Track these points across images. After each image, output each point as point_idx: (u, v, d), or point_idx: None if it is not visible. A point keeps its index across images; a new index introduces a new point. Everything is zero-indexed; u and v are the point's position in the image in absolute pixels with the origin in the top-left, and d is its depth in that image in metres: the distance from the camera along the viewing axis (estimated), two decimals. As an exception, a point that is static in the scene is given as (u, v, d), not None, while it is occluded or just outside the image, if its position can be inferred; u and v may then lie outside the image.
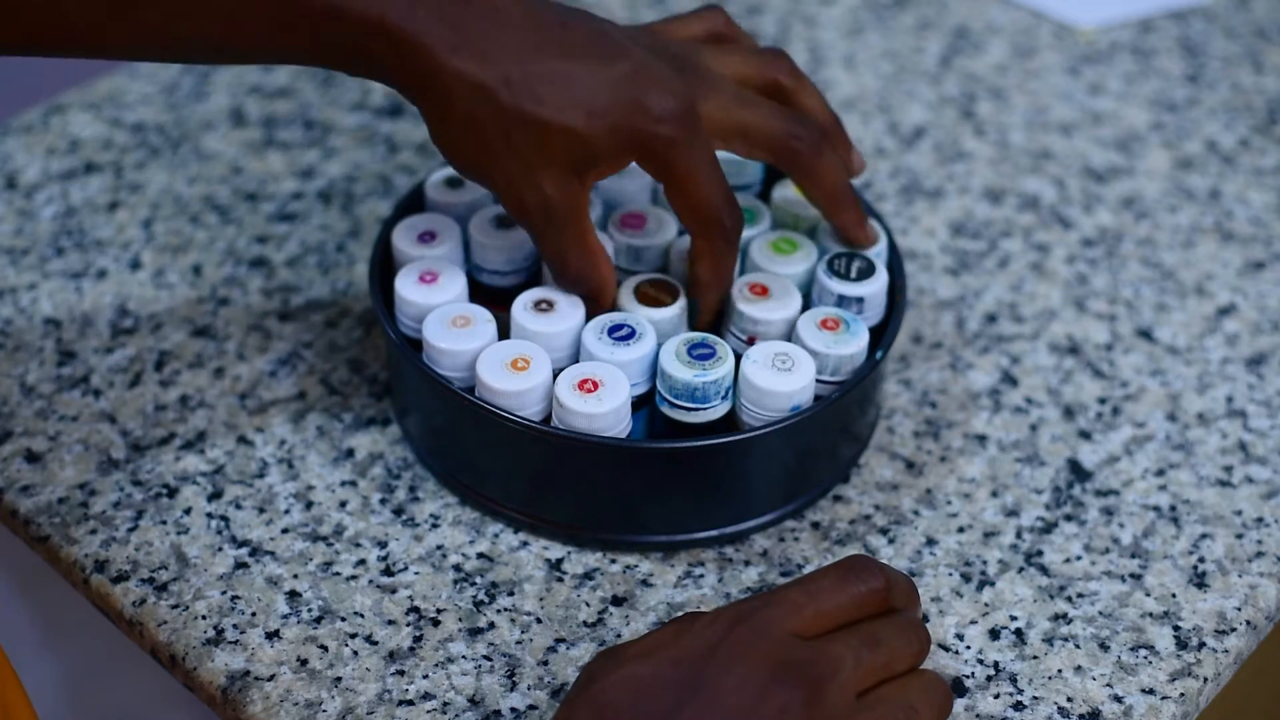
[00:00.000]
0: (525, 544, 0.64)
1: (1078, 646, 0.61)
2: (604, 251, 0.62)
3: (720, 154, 0.71)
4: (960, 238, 0.81)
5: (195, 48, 0.59)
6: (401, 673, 0.59)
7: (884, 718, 0.51)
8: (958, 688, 0.59)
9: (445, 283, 0.64)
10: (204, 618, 0.60)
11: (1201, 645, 0.61)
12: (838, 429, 0.65)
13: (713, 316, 0.64)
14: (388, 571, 0.62)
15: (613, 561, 0.63)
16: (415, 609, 0.61)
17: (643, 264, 0.66)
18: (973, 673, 0.60)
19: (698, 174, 0.59)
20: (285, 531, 0.64)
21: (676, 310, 0.63)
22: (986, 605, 0.62)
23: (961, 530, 0.65)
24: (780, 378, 0.60)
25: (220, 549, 0.63)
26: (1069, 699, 0.59)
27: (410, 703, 0.58)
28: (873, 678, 0.52)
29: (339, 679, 0.58)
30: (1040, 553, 0.64)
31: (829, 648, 0.51)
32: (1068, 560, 0.64)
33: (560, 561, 0.63)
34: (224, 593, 0.61)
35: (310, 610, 0.61)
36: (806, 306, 0.66)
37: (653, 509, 0.63)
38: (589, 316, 0.63)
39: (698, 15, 0.67)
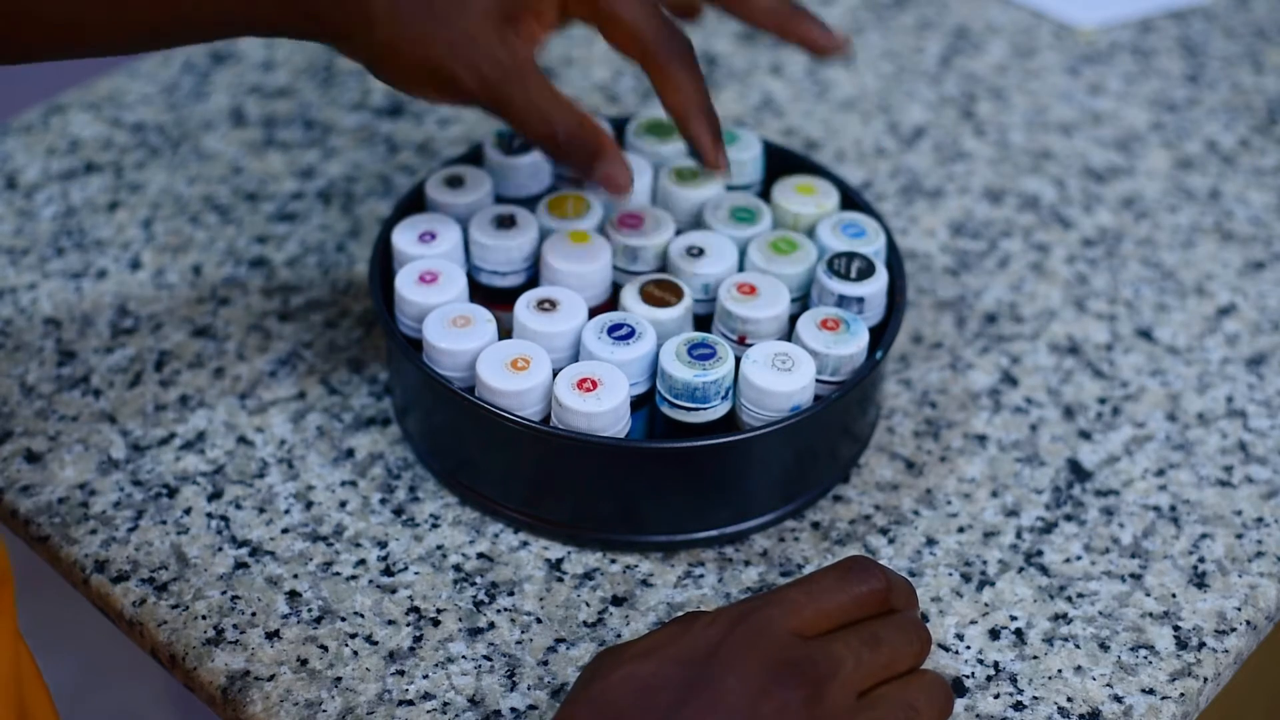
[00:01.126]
0: (525, 544, 0.64)
1: (1078, 646, 0.61)
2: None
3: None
4: (960, 238, 0.81)
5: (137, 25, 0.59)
6: (401, 673, 0.59)
7: (885, 717, 0.51)
8: (958, 688, 0.59)
9: (445, 283, 0.64)
10: (204, 618, 0.60)
11: (1201, 645, 0.61)
12: (838, 429, 0.65)
13: (711, 142, 0.61)
14: (388, 571, 0.62)
15: (613, 561, 0.63)
16: (415, 609, 0.61)
17: (641, 263, 0.66)
18: (973, 673, 0.60)
19: (622, 2, 0.59)
20: (285, 531, 0.64)
21: (681, 310, 0.63)
22: (986, 605, 0.62)
23: (961, 530, 0.65)
24: (780, 378, 0.60)
25: (220, 549, 0.63)
26: (1069, 699, 0.59)
27: (410, 703, 0.58)
28: (873, 677, 0.52)
29: (339, 679, 0.58)
30: (1040, 553, 0.64)
31: (829, 647, 0.51)
32: (1068, 560, 0.64)
33: (560, 561, 0.63)
34: (224, 593, 0.61)
35: (310, 610, 0.61)
36: (806, 307, 0.66)
37: (653, 509, 0.63)
38: (596, 173, 0.61)
39: None
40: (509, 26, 0.59)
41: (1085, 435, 0.70)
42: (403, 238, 0.66)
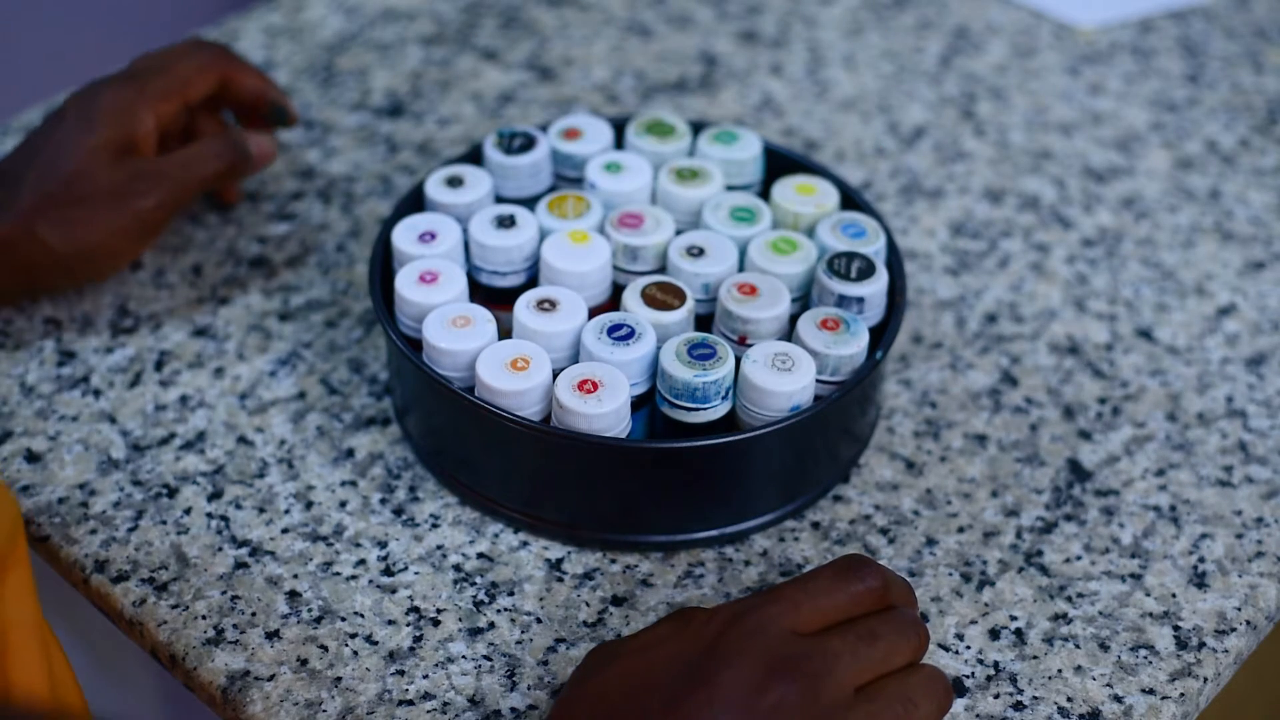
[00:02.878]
0: (525, 544, 0.64)
1: (1078, 646, 0.61)
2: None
3: (720, 154, 0.71)
4: (960, 238, 0.81)
5: None
6: (401, 673, 0.59)
7: (882, 710, 0.51)
8: (958, 687, 0.59)
9: (445, 283, 0.64)
10: (204, 618, 0.60)
11: (1201, 645, 0.61)
12: (838, 429, 0.65)
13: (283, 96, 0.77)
14: (388, 571, 0.62)
15: (613, 561, 0.63)
16: (415, 609, 0.61)
17: (641, 263, 0.66)
18: (973, 673, 0.60)
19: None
20: (285, 531, 0.64)
21: (684, 314, 0.63)
22: (986, 605, 0.62)
23: (961, 530, 0.65)
24: (780, 378, 0.60)
25: (220, 549, 0.63)
26: (1069, 699, 0.59)
27: (410, 703, 0.58)
28: (870, 672, 0.52)
29: (339, 679, 0.58)
30: (1040, 553, 0.64)
31: (826, 642, 0.51)
32: (1068, 560, 0.64)
33: (560, 561, 0.63)
34: (224, 593, 0.61)
35: (310, 610, 0.61)
36: (806, 306, 0.66)
37: (653, 509, 0.63)
38: (255, 159, 0.74)
39: None
40: (123, 161, 0.70)
41: (1085, 435, 0.70)
42: (403, 238, 0.66)
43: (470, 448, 0.64)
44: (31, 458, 0.66)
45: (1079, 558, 0.64)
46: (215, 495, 0.65)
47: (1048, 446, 0.69)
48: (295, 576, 0.62)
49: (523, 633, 0.60)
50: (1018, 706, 0.58)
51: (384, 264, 0.67)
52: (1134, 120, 0.90)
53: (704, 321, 0.66)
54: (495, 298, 0.66)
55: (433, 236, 0.66)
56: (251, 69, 0.76)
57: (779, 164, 0.73)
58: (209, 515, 0.64)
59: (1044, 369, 0.73)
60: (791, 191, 0.70)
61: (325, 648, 0.59)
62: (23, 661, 0.48)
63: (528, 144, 0.71)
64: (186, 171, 0.71)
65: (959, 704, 0.58)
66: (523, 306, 0.63)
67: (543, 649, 0.60)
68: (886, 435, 0.69)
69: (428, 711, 0.57)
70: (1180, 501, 0.67)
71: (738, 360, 0.62)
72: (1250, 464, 0.69)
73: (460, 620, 0.61)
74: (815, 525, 0.65)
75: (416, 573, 0.62)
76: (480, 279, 0.67)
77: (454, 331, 0.62)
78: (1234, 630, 0.61)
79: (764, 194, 0.72)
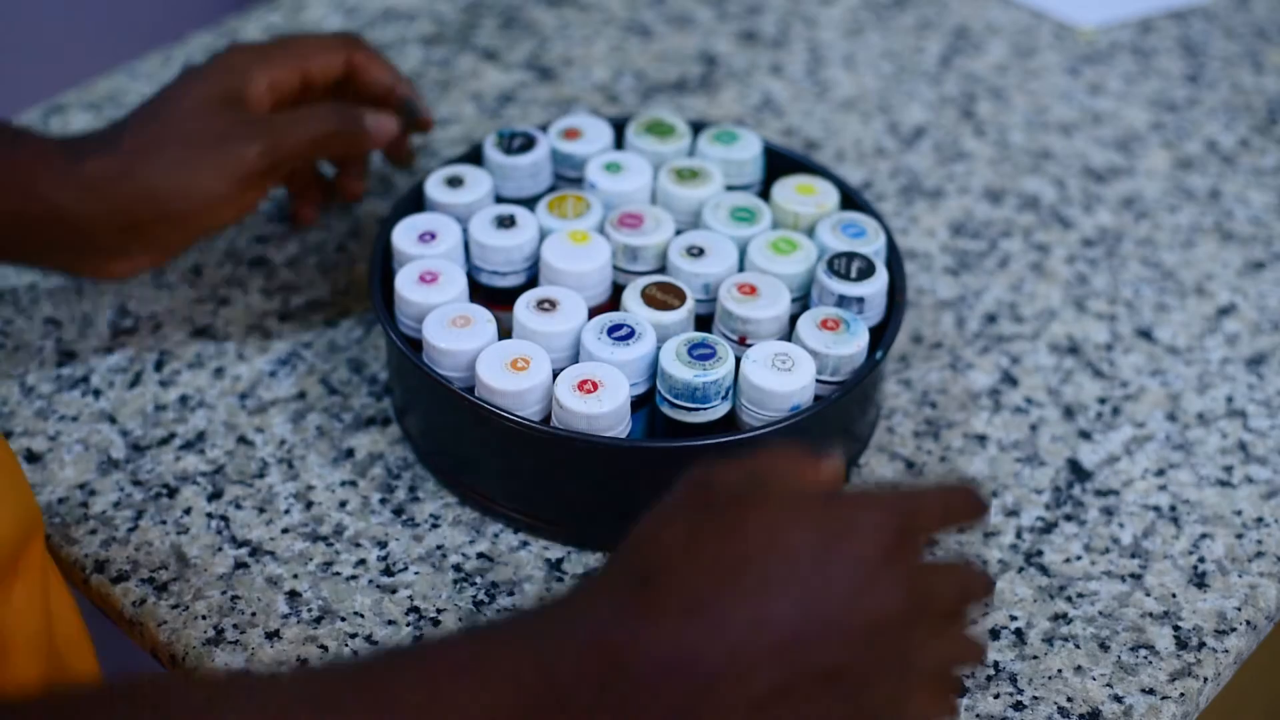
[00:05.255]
0: (525, 544, 0.64)
1: (1078, 646, 0.61)
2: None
3: (720, 154, 0.71)
4: (960, 238, 0.81)
5: None
6: (401, 673, 0.59)
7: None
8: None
9: (445, 283, 0.64)
10: (204, 618, 0.60)
11: (1201, 645, 0.61)
12: (838, 429, 0.65)
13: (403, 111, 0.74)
14: (388, 571, 0.62)
15: (613, 561, 0.63)
16: (415, 609, 0.61)
17: (641, 263, 0.66)
18: (973, 673, 0.60)
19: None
20: (285, 531, 0.64)
21: (684, 314, 0.63)
22: (986, 605, 0.62)
23: (961, 530, 0.65)
24: (780, 378, 0.60)
25: (220, 549, 0.63)
26: (1069, 699, 0.59)
27: (410, 703, 0.58)
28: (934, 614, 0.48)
29: (339, 679, 0.58)
30: (1040, 553, 0.64)
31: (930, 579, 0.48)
32: (1068, 560, 0.64)
33: (560, 561, 0.63)
34: (224, 593, 0.61)
35: (310, 610, 0.61)
36: (806, 306, 0.66)
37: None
38: (373, 133, 0.71)
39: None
40: (230, 110, 0.68)
41: (1085, 435, 0.70)
42: (403, 238, 0.66)
43: (470, 448, 0.64)
44: (31, 458, 0.66)
45: (1079, 558, 0.64)
46: (215, 495, 0.65)
47: (1048, 446, 0.69)
48: (295, 576, 0.62)
49: (523, 633, 0.60)
50: (1018, 706, 0.58)
51: (384, 264, 0.67)
52: (1134, 120, 0.90)
53: (704, 321, 0.66)
54: (495, 298, 0.66)
55: (433, 236, 0.66)
56: (384, 62, 0.74)
57: (779, 164, 0.73)
58: (209, 515, 0.64)
59: (1044, 369, 0.73)
60: (791, 191, 0.70)
61: (325, 648, 0.59)
62: (19, 681, 0.47)
63: (528, 144, 0.71)
64: (293, 126, 0.69)
65: (959, 704, 0.58)
66: (523, 306, 0.63)
67: (543, 649, 0.60)
68: (886, 435, 0.69)
69: (428, 711, 0.57)
70: (1180, 501, 0.67)
71: (738, 360, 0.62)
72: (1250, 464, 0.69)
73: (460, 620, 0.61)
74: (815, 525, 0.65)
75: (416, 573, 0.62)
76: (480, 279, 0.67)
77: (454, 331, 0.62)
78: (1234, 630, 0.61)
79: (764, 194, 0.72)
